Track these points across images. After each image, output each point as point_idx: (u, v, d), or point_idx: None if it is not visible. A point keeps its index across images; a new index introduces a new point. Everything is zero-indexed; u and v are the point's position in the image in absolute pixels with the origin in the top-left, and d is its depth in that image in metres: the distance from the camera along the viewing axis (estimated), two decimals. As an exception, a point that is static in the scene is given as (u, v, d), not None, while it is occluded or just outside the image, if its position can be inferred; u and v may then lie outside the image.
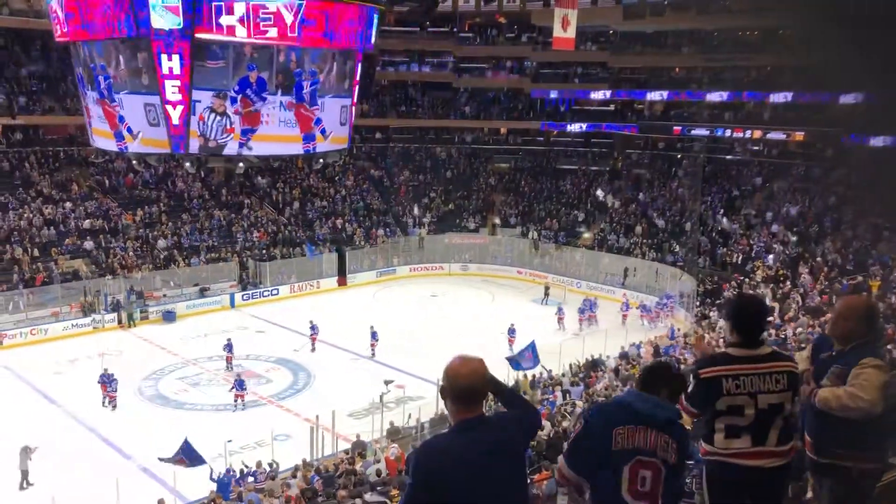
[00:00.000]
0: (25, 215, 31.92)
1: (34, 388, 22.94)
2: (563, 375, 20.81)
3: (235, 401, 21.45)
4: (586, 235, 38.10)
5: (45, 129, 36.59)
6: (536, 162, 44.94)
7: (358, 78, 15.77)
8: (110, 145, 14.89)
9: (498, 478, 2.90)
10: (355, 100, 16.21)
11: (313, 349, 26.39)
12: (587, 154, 43.98)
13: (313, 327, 26.68)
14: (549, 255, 37.99)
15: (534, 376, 20.72)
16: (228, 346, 24.50)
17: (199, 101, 13.33)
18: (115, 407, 21.28)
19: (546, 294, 33.22)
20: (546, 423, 14.88)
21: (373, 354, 25.77)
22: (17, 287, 28.60)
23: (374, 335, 25.87)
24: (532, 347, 20.36)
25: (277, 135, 14.12)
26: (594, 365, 21.73)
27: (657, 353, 21.92)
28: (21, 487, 16.63)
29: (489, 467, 2.88)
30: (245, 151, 13.95)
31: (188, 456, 14.94)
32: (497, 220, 41.73)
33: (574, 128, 43.41)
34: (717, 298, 28.18)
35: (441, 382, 3.03)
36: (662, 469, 3.14)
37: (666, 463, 3.15)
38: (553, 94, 43.94)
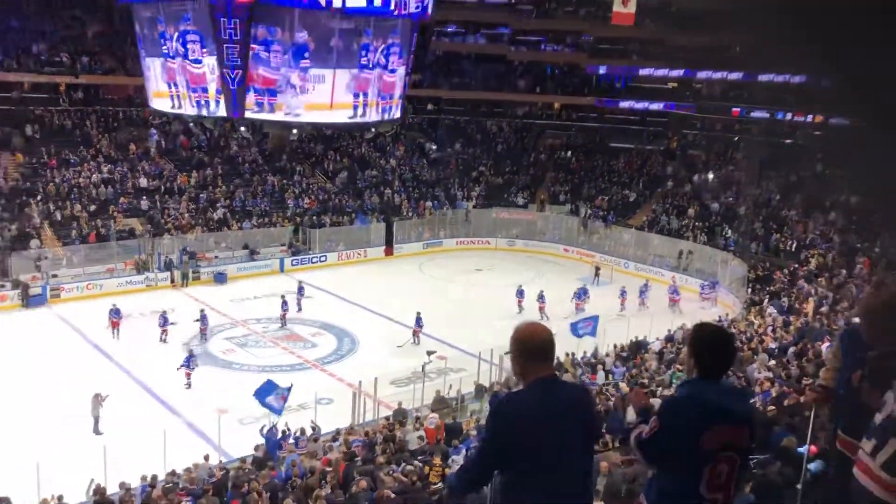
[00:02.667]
0: (84, 173, 32.76)
1: (88, 341, 23.72)
2: (607, 355, 20.69)
3: (188, 379, 20.33)
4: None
5: (106, 89, 37.38)
6: (589, 139, 44.36)
7: (413, 48, 15.72)
8: (166, 106, 15.15)
9: (572, 436, 2.99)
10: (409, 70, 16.18)
11: (300, 310, 26.52)
12: (642, 133, 43.25)
13: (300, 289, 26.71)
14: (598, 235, 37.62)
15: (573, 354, 20.64)
16: (203, 319, 24.02)
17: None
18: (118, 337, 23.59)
19: (596, 275, 32.86)
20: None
21: (283, 324, 25.66)
22: (74, 242, 29.46)
23: (284, 304, 25.70)
24: (595, 320, 21.56)
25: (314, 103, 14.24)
26: (638, 346, 21.55)
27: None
28: (95, 432, 17.25)
29: (565, 424, 2.96)
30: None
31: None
32: (544, 197, 41.41)
33: (629, 105, 42.68)
34: (769, 285, 27.61)
35: (512, 346, 3.08)
36: (739, 460, 3.08)
37: (742, 451, 3.09)
38: (609, 71, 43.20)
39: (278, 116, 14.21)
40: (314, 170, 39.58)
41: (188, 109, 15.20)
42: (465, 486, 3.36)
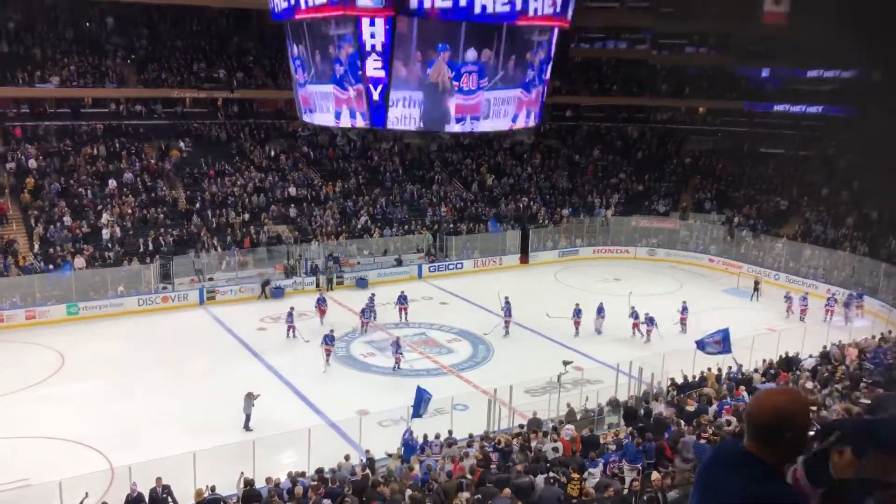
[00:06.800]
0: (239, 182, 34.78)
1: (240, 341, 25.11)
2: (756, 371, 19.64)
3: (396, 364, 22.82)
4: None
5: (258, 103, 39.63)
6: (736, 144, 42.41)
7: (552, 55, 15.53)
8: (327, 120, 15.58)
9: None
10: (547, 77, 16.02)
11: (374, 318, 26.66)
12: (795, 138, 40.84)
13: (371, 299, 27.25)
14: (746, 244, 35.87)
15: (719, 370, 19.72)
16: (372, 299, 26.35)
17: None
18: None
19: (756, 289, 31.10)
20: (733, 420, 14.15)
21: (373, 318, 26.70)
22: (229, 248, 31.32)
23: (372, 298, 27.09)
24: (724, 334, 19.99)
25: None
26: (788, 363, 20.30)
27: (862, 355, 20.09)
28: (245, 429, 18.15)
29: None
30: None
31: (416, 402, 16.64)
32: (687, 204, 39.93)
33: (784, 109, 40.40)
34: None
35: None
36: None
37: None
38: (759, 73, 41.20)
39: (454, 129, 14.15)
40: (451, 178, 40.13)
41: (333, 122, 15.71)
42: None
